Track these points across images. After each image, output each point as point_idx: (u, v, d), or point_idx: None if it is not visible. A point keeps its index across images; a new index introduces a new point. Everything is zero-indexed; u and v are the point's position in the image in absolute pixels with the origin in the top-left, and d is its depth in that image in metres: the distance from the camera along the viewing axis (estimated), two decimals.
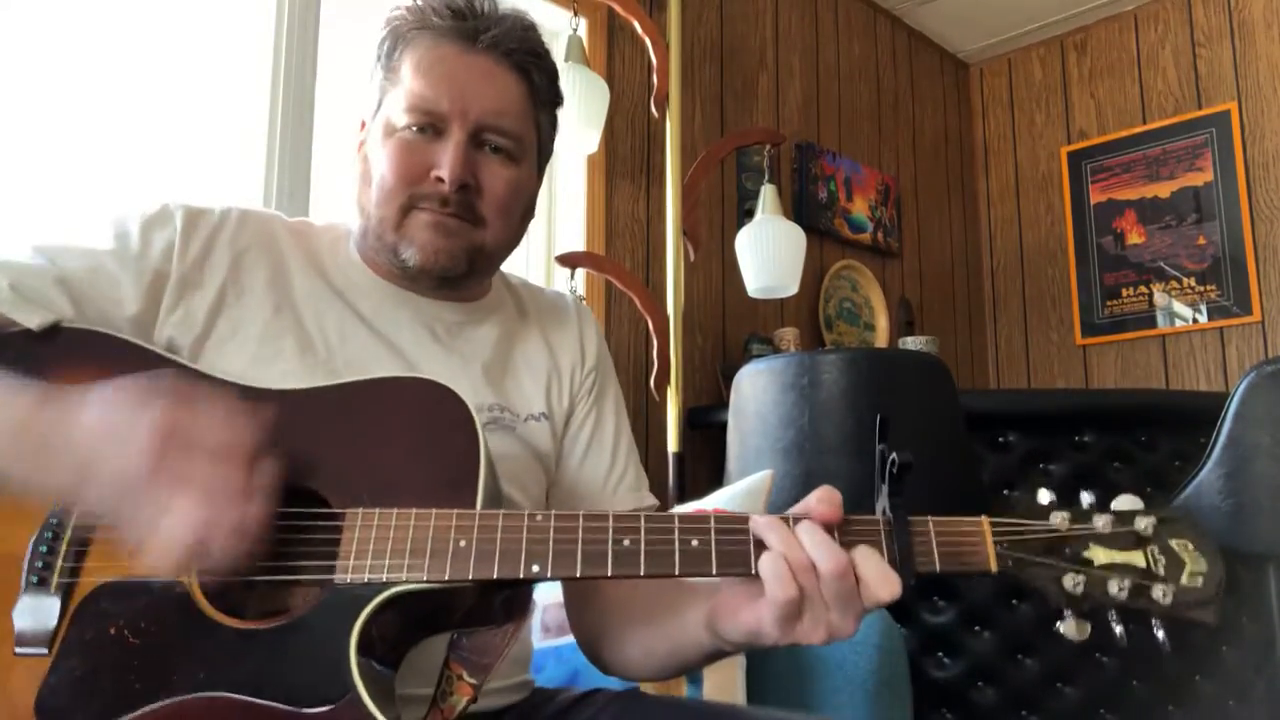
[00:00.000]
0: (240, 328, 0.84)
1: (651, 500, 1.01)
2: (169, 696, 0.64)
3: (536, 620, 1.39)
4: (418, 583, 0.67)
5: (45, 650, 0.65)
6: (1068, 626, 0.66)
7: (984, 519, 0.69)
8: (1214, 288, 3.18)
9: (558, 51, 2.16)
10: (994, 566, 0.67)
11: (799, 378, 1.76)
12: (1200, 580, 0.66)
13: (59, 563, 0.68)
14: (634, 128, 2.55)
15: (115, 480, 0.62)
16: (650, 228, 2.54)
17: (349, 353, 0.87)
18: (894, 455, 0.69)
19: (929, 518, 0.69)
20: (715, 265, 2.70)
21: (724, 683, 1.35)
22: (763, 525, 0.68)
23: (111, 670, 0.65)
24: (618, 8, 2.28)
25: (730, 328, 2.72)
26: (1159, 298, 3.30)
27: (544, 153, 0.97)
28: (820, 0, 3.23)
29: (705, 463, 2.43)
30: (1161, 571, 0.66)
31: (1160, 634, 0.67)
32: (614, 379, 1.05)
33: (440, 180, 0.85)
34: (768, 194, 2.51)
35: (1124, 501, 0.69)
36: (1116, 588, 0.66)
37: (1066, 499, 0.70)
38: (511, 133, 0.89)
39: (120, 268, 0.81)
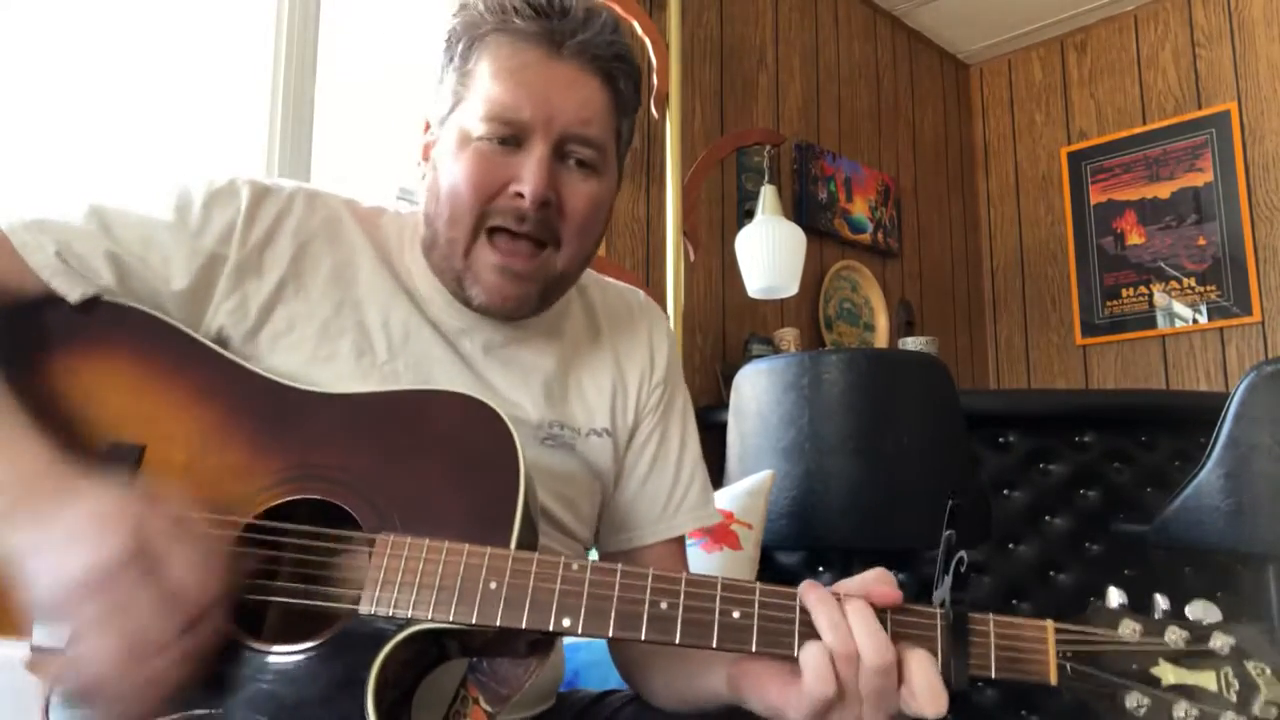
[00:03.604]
0: (297, 324, 0.81)
1: (715, 518, 0.98)
2: (182, 711, 0.63)
3: None
4: (443, 623, 0.65)
5: (61, 647, 0.64)
6: None
7: (1049, 624, 0.63)
8: (1214, 288, 3.18)
9: None
10: (1054, 679, 0.62)
11: (799, 378, 1.76)
12: (1275, 711, 0.60)
13: None
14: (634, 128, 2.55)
15: (53, 581, 0.59)
16: (650, 228, 2.54)
17: (412, 352, 0.83)
18: (962, 553, 0.64)
19: (990, 616, 0.63)
20: (715, 265, 2.70)
21: None
22: (813, 600, 0.63)
23: None
24: (618, 8, 2.27)
25: (730, 328, 2.72)
26: (1159, 298, 3.30)
27: (622, 159, 0.91)
28: (820, 0, 3.23)
29: (705, 463, 2.43)
30: (1234, 698, 0.60)
31: None
32: (683, 387, 1.01)
33: (519, 196, 0.79)
34: (768, 194, 2.52)
35: (1199, 609, 0.63)
36: (1183, 712, 0.60)
37: (1138, 601, 0.65)
38: (596, 142, 0.82)
39: (175, 243, 0.78)
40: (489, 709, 0.70)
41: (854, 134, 3.29)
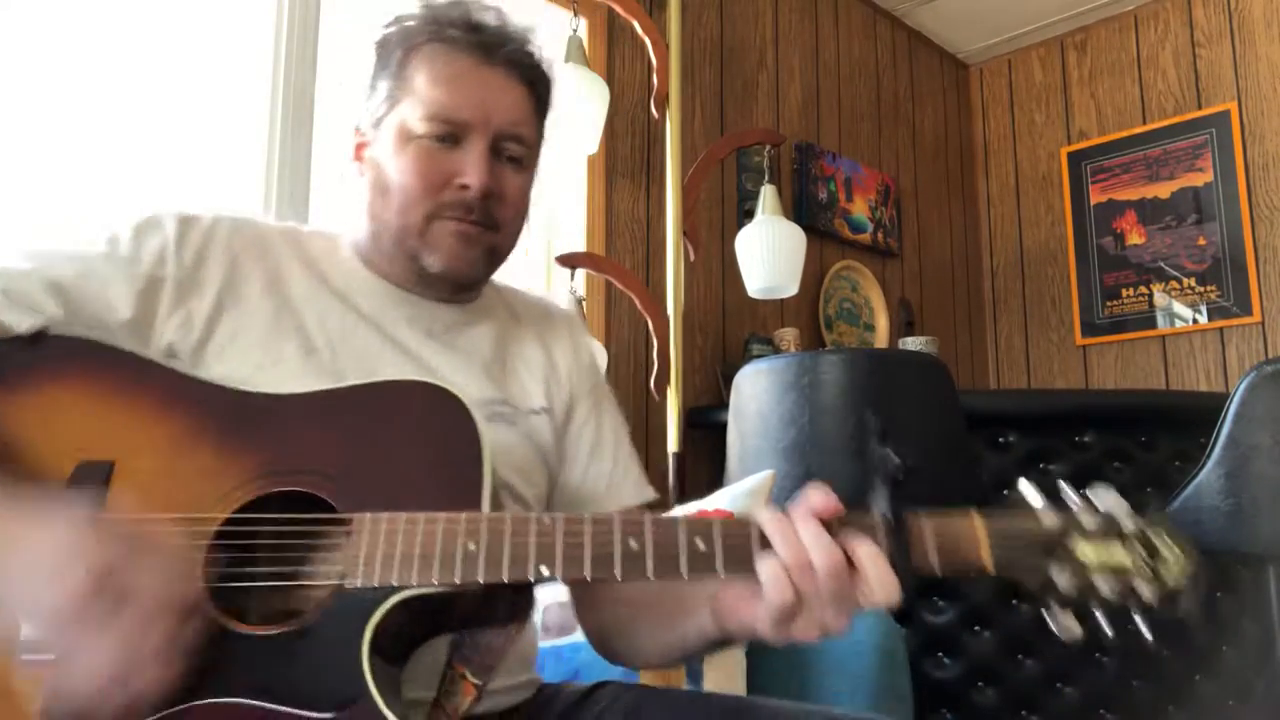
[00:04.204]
0: (240, 334, 0.84)
1: (653, 493, 1.03)
2: (181, 703, 0.63)
3: (536, 620, 1.39)
4: (429, 586, 0.67)
5: (53, 656, 0.64)
6: (1059, 625, 0.68)
7: (977, 518, 0.70)
8: (1214, 288, 3.18)
9: (558, 52, 2.16)
10: (991, 567, 0.68)
11: (799, 378, 1.76)
12: (1183, 577, 0.69)
13: None
14: (634, 128, 2.55)
15: (34, 613, 0.62)
16: (650, 228, 2.54)
17: (352, 350, 0.87)
18: (897, 459, 0.70)
19: (923, 516, 0.70)
20: (715, 265, 2.70)
21: (724, 684, 1.35)
22: (766, 520, 0.69)
23: None
24: (618, 8, 2.28)
25: (730, 328, 2.72)
26: (1159, 298, 3.30)
27: (540, 155, 1.01)
28: (820, 0, 3.23)
29: (705, 463, 2.43)
30: (1147, 569, 0.69)
31: (1145, 628, 0.69)
32: (608, 388, 1.08)
33: (464, 188, 0.88)
34: (768, 194, 2.51)
35: (1107, 498, 0.72)
36: (1106, 586, 0.68)
37: (1053, 496, 0.72)
38: (526, 140, 0.93)
39: (113, 271, 0.81)
40: (477, 680, 0.73)
41: (854, 134, 3.29)
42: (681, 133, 2.33)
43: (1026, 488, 0.72)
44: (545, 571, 0.68)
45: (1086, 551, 0.69)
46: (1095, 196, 3.49)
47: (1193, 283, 3.22)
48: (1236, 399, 1.54)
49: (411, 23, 0.92)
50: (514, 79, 0.92)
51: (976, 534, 0.69)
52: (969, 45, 3.78)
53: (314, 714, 0.64)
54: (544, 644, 1.36)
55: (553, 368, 1.01)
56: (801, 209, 2.96)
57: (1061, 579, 0.68)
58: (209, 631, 0.66)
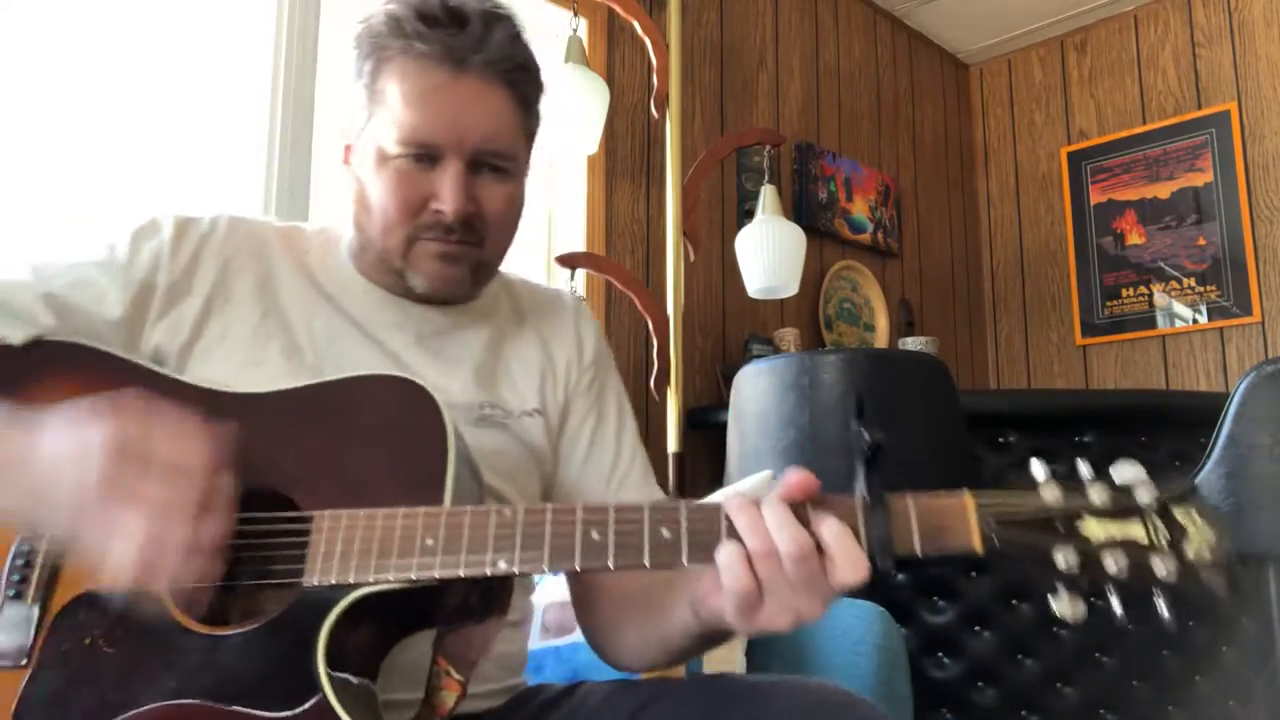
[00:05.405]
0: (228, 334, 0.85)
1: (658, 494, 1.00)
2: (139, 706, 0.64)
3: (537, 621, 1.39)
4: (384, 584, 0.67)
5: (24, 663, 0.66)
6: (1061, 604, 0.63)
7: (967, 495, 0.65)
8: (1214, 288, 3.18)
9: (558, 52, 2.16)
10: (979, 547, 0.64)
11: (799, 378, 1.76)
12: (1208, 552, 0.62)
13: (35, 575, 0.69)
14: (634, 128, 2.55)
15: (69, 500, 0.62)
16: (650, 228, 2.54)
17: (337, 354, 0.87)
18: (867, 436, 0.65)
19: (909, 495, 0.65)
20: (715, 265, 2.70)
21: None
22: (733, 508, 0.66)
23: (87, 682, 0.65)
24: (618, 8, 2.28)
25: (730, 328, 2.72)
26: (1159, 298, 3.30)
27: (531, 148, 0.96)
28: (820, 0, 3.23)
29: (705, 463, 2.43)
30: (1164, 544, 0.62)
31: (1163, 607, 0.63)
32: (615, 375, 1.04)
33: (441, 212, 0.85)
34: (768, 194, 2.51)
35: (1124, 470, 0.65)
36: (1114, 563, 0.62)
37: (1062, 471, 0.67)
38: (506, 153, 0.88)
39: (107, 278, 0.83)
40: (460, 676, 0.72)
41: (854, 134, 3.29)
42: (681, 133, 2.33)
43: (1036, 466, 0.66)
44: (503, 565, 0.66)
45: (1094, 528, 0.63)
46: (1095, 196, 3.49)
47: (1193, 283, 3.22)
48: (1236, 399, 1.54)
49: (380, 27, 0.87)
50: (491, 84, 0.85)
51: (966, 513, 0.64)
52: (969, 45, 3.78)
53: (269, 714, 0.64)
54: (544, 644, 1.36)
55: (551, 367, 0.98)
56: (801, 209, 2.96)
57: (1061, 558, 0.62)
58: (168, 632, 0.66)
